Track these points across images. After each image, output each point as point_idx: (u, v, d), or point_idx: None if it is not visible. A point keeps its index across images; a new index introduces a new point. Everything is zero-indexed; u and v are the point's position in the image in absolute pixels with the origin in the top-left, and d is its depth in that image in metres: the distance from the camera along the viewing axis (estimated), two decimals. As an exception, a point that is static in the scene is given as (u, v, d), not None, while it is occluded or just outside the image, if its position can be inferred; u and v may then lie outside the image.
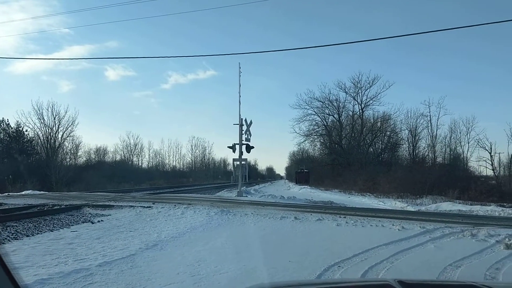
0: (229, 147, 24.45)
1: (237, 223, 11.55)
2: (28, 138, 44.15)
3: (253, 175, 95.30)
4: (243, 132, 23.95)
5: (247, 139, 24.20)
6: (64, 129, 46.49)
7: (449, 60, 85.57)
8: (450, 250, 7.98)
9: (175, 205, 14.93)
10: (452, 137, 46.66)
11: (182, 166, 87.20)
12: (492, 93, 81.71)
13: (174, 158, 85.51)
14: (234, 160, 25.37)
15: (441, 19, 76.67)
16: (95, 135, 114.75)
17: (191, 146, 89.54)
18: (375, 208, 19.00)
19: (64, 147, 48.73)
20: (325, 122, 58.47)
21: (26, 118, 46.22)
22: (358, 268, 6.54)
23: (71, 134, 48.33)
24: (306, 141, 61.01)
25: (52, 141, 45.64)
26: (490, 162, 40.08)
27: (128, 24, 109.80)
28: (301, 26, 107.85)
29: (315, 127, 58.71)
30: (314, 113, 57.21)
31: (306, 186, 47.60)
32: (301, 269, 6.43)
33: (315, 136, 60.49)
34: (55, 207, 14.95)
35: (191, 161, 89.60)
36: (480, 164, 43.67)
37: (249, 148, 24.32)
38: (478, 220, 12.82)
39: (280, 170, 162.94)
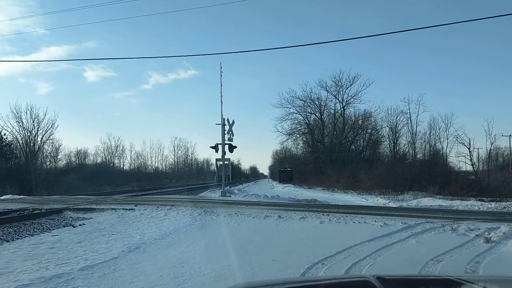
0: (211, 147, 24.38)
1: (220, 223, 11.53)
2: (7, 142, 43.27)
3: (237, 175, 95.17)
4: (226, 132, 23.91)
5: (230, 139, 24.18)
6: (44, 132, 45.75)
7: (427, 57, 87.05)
8: (431, 245, 8.11)
9: (157, 207, 14.82)
10: (431, 134, 47.43)
11: (164, 167, 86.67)
12: (470, 90, 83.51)
13: (156, 160, 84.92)
14: (217, 160, 25.31)
15: (418, 17, 77.88)
16: (75, 137, 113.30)
17: (174, 147, 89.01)
18: (357, 205, 19.17)
19: (44, 150, 47.97)
20: (307, 121, 58.84)
21: (4, 122, 45.69)
22: (341, 265, 6.60)
23: (51, 137, 47.58)
24: (289, 140, 61.31)
25: (31, 144, 44.82)
26: (469, 158, 40.76)
27: (107, 25, 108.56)
28: (282, 25, 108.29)
29: (298, 126, 59.09)
30: (296, 112, 57.55)
31: (289, 185, 47.76)
32: (285, 268, 6.46)
33: (298, 135, 60.87)
34: (35, 212, 14.70)
35: (173, 162, 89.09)
36: (459, 159, 44.44)
37: (232, 148, 24.30)
38: (458, 215, 13.05)
39: (264, 169, 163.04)
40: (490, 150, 43.13)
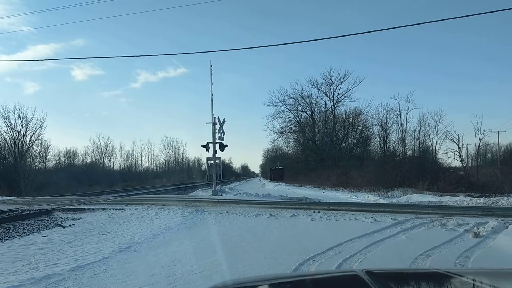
0: (202, 146, 24.31)
1: (212, 222, 11.52)
2: (-5, 143, 42.82)
3: (228, 174, 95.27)
4: (216, 130, 23.85)
5: (221, 138, 24.13)
6: (32, 132, 45.30)
7: (416, 54, 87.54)
8: (421, 240, 8.18)
9: (148, 207, 14.75)
10: (421, 130, 47.74)
11: (155, 167, 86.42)
12: (459, 86, 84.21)
13: (147, 159, 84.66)
14: (208, 159, 25.25)
15: (406, 14, 78.38)
16: (64, 137, 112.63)
17: (164, 146, 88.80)
18: (348, 202, 19.26)
19: (33, 150, 47.43)
20: (298, 119, 58.96)
21: (-9, 122, 44.95)
22: (332, 261, 6.63)
23: (40, 137, 47.10)
24: (280, 138, 61.38)
25: (20, 145, 44.35)
26: (458, 154, 41.22)
27: (94, 23, 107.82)
28: (272, 23, 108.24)
29: (289, 124, 59.19)
30: (287, 110, 57.64)
31: (281, 183, 47.80)
32: (277, 265, 6.48)
33: (289, 133, 60.95)
34: (24, 212, 14.55)
35: (164, 161, 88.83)
36: (448, 156, 44.97)
37: (222, 147, 24.25)
38: (447, 210, 13.18)
39: (255, 167, 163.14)
40: (479, 146, 43.68)
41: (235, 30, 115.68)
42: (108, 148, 71.41)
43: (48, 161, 53.49)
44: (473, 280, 1.66)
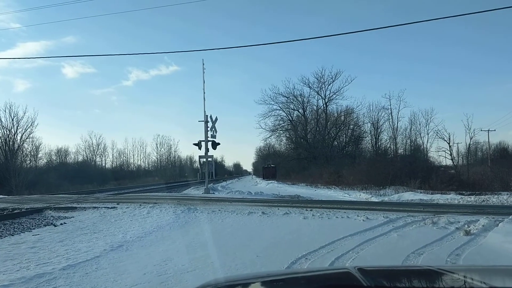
0: (194, 144, 24.27)
1: (204, 221, 11.50)
2: (-15, 141, 42.41)
3: (220, 172, 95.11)
4: (209, 129, 23.82)
5: (213, 136, 24.10)
6: (23, 130, 44.97)
7: (407, 54, 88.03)
8: (413, 238, 8.23)
9: (140, 205, 14.69)
10: (412, 129, 48.14)
11: (147, 165, 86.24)
12: (450, 86, 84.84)
13: (139, 157, 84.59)
14: (200, 157, 25.22)
15: (401, 14, 78.69)
16: (55, 135, 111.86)
17: (156, 144, 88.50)
18: (340, 200, 19.33)
19: (24, 149, 47.10)
20: (290, 117, 59.10)
21: (-19, 121, 44.52)
22: (324, 259, 6.65)
23: (31, 135, 46.78)
24: (272, 136, 61.57)
25: (10, 143, 43.99)
26: (449, 152, 41.57)
27: (85, 20, 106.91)
28: (265, 21, 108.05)
29: (281, 122, 59.34)
30: (279, 108, 57.81)
31: (273, 181, 47.80)
32: (269, 263, 6.48)
33: (281, 131, 61.11)
34: (15, 211, 14.43)
35: (156, 159, 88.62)
36: (439, 154, 45.25)
37: (215, 145, 24.23)
38: (439, 208, 13.27)
39: (247, 166, 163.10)
40: (469, 144, 44.06)
41: (228, 29, 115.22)
42: (100, 146, 71.30)
43: (39, 159, 53.22)
44: (464, 276, 1.67)
